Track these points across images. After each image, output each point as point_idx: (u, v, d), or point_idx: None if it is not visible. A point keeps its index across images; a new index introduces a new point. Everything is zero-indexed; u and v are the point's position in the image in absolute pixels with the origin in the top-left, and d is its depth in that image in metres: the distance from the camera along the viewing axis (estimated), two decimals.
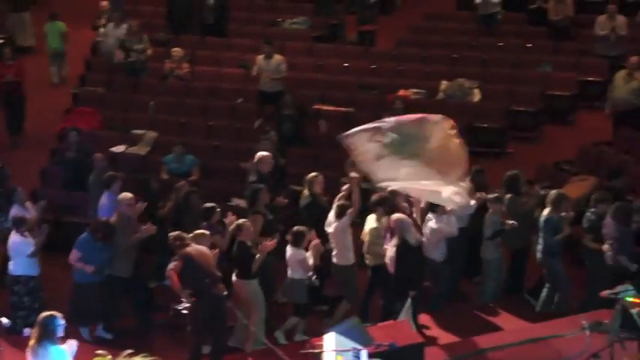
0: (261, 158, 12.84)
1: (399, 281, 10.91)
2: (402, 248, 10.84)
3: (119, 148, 15.92)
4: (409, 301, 10.59)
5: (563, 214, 11.63)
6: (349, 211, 11.33)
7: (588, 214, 11.77)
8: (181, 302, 10.97)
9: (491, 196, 11.99)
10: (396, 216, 11.02)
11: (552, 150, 16.15)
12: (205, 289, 10.31)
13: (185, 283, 10.36)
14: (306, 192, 12.24)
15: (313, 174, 12.24)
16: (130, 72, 18.06)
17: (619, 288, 10.11)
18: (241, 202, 13.03)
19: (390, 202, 11.42)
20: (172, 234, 10.73)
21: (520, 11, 19.69)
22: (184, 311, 10.87)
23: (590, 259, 11.74)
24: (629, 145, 15.17)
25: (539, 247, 11.73)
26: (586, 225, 11.72)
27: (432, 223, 11.47)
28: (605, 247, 11.30)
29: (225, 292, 10.58)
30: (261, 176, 12.61)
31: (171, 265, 10.43)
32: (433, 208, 11.46)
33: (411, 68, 18.45)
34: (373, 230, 11.49)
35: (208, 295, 10.32)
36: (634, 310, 9.61)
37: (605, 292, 10.35)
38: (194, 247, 10.47)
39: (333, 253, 11.49)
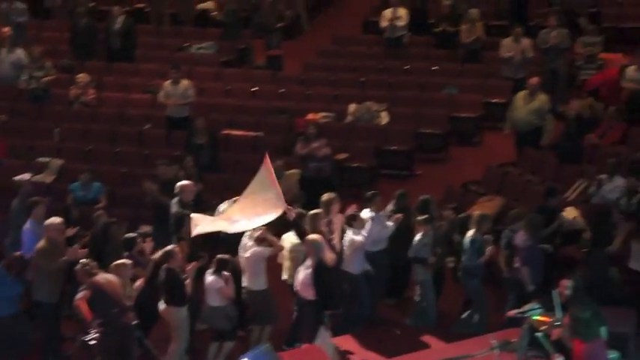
0: (183, 187, 12.75)
1: (318, 303, 10.90)
2: (319, 269, 10.83)
3: (24, 177, 15.62)
4: (326, 323, 10.63)
5: (485, 236, 11.83)
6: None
7: (506, 231, 11.96)
8: (88, 333, 10.77)
9: (420, 217, 12.08)
10: (310, 237, 11.04)
11: (460, 171, 16.39)
12: (114, 319, 10.16)
13: (94, 313, 10.20)
14: None
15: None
16: (32, 99, 17.80)
17: (526, 307, 10.30)
18: (149, 229, 12.93)
19: (304, 225, 11.41)
20: (80, 262, 10.56)
21: (426, 34, 19.95)
22: (92, 342, 10.68)
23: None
24: (534, 165, 15.48)
25: (462, 268, 11.89)
26: (504, 242, 11.90)
27: (348, 235, 11.53)
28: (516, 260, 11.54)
29: (135, 322, 10.45)
30: (184, 205, 12.53)
31: (80, 295, 10.24)
32: (349, 222, 11.54)
33: (320, 92, 18.55)
34: (297, 246, 11.45)
35: (117, 324, 10.17)
36: (539, 333, 9.80)
37: (513, 312, 10.52)
38: (102, 276, 10.32)
39: (246, 278, 11.43)
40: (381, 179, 16.25)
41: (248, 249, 11.38)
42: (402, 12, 19.25)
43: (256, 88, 18.66)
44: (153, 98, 17.71)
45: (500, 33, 18.98)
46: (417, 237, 11.98)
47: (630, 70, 16.45)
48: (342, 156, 16.26)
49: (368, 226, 11.73)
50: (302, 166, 15.33)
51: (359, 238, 11.61)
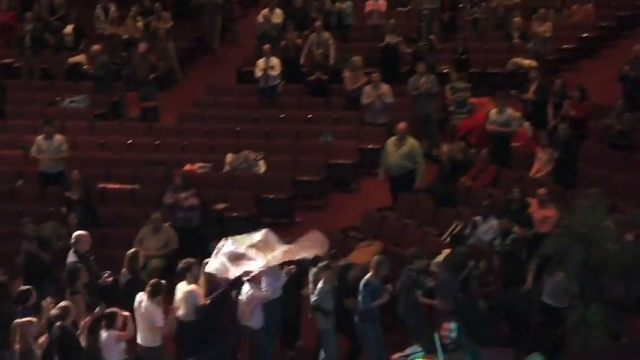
0: (79, 237, 12.55)
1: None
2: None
3: None
4: None
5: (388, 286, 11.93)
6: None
7: (407, 270, 12.10)
8: None
9: (321, 264, 12.10)
10: (189, 287, 10.97)
11: (339, 217, 16.56)
12: None
13: None
14: (125, 270, 12.04)
15: (132, 250, 12.21)
16: None
17: (409, 350, 10.43)
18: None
19: (195, 270, 11.33)
20: None
21: (300, 83, 20.20)
22: None
23: (413, 314, 12.04)
24: (410, 209, 15.77)
25: (357, 312, 11.93)
26: (407, 282, 12.02)
27: (246, 290, 11.50)
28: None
29: None
30: (80, 256, 12.33)
31: None
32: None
33: (196, 142, 18.53)
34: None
35: None
36: None
37: (396, 355, 10.63)
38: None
39: (140, 333, 11.25)
40: (261, 228, 16.23)
41: (142, 303, 11.23)
42: (275, 61, 19.47)
43: (131, 141, 18.51)
44: (25, 154, 17.38)
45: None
46: (319, 285, 11.94)
47: (493, 114, 16.99)
48: (220, 206, 16.23)
49: (264, 279, 11.64)
50: (170, 216, 15.26)
51: (260, 292, 11.52)
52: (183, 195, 15.21)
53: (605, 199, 11.63)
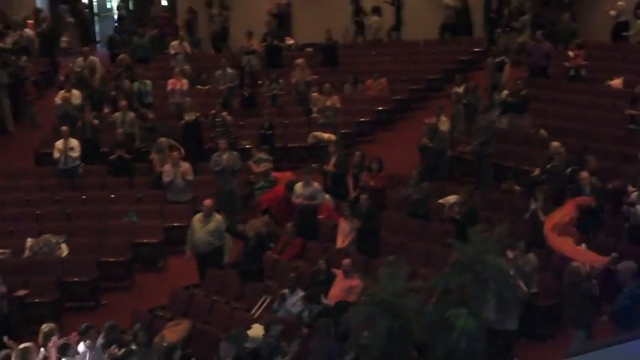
0: None
1: None
2: None
3: None
4: None
5: None
6: None
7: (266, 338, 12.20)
8: None
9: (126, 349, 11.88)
10: None
11: (146, 297, 16.37)
12: None
13: None
14: None
15: None
16: None
17: None
18: None
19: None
20: None
21: (101, 163, 19.99)
22: None
23: None
24: (218, 285, 15.78)
25: None
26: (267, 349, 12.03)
27: None
28: None
29: None
30: None
31: None
32: (62, 351, 11.15)
33: None
34: None
35: None
36: None
37: None
38: None
39: None
40: (66, 312, 15.89)
41: None
42: (74, 142, 19.28)
43: None
44: None
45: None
46: None
47: (298, 187, 17.34)
48: (22, 292, 15.75)
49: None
50: None
51: None
52: None
53: (405, 267, 12.04)
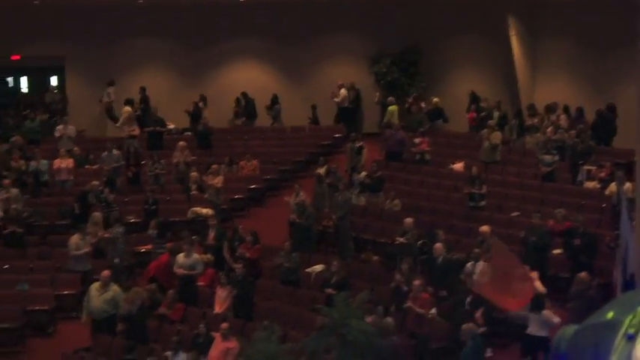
0: None
1: None
2: None
3: None
4: None
5: None
6: None
7: None
8: None
9: None
10: None
11: None
12: None
13: None
14: None
15: None
16: None
17: None
18: None
19: None
20: None
21: None
22: None
23: None
24: (107, 349, 15.83)
25: None
26: None
27: None
28: None
29: None
30: None
31: None
32: None
33: None
34: None
35: None
36: None
37: None
38: None
39: None
40: None
41: None
42: None
43: None
44: None
45: (65, 231, 19.51)
46: None
47: (180, 257, 17.57)
48: None
49: None
50: None
51: None
52: None
53: (278, 330, 12.47)
